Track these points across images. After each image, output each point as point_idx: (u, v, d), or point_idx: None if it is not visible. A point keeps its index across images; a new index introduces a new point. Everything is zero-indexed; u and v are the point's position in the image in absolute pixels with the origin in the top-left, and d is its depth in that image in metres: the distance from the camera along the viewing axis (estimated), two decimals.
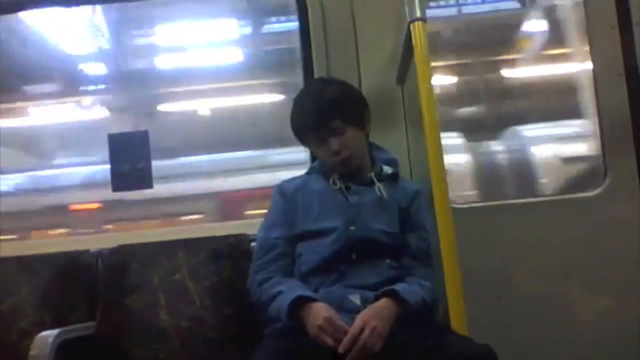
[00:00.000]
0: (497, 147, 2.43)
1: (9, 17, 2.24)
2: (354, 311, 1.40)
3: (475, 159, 2.44)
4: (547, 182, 2.43)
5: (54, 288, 1.81)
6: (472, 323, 1.29)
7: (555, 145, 2.45)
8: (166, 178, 2.39)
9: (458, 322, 1.28)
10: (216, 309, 1.74)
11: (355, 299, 1.45)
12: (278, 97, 2.71)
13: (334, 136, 1.54)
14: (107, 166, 2.14)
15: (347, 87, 1.64)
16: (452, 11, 2.67)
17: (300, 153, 2.00)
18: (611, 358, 1.89)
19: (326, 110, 1.53)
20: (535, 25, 2.58)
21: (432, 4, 2.50)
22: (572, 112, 2.30)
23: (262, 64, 2.75)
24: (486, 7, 2.83)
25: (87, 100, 2.75)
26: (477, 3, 2.85)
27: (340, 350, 1.31)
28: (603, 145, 2.00)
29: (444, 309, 1.33)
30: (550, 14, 2.45)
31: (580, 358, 1.90)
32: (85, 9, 2.48)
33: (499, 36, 2.49)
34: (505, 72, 2.55)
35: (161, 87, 2.71)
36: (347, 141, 1.54)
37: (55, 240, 2.09)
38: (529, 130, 2.48)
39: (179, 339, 1.69)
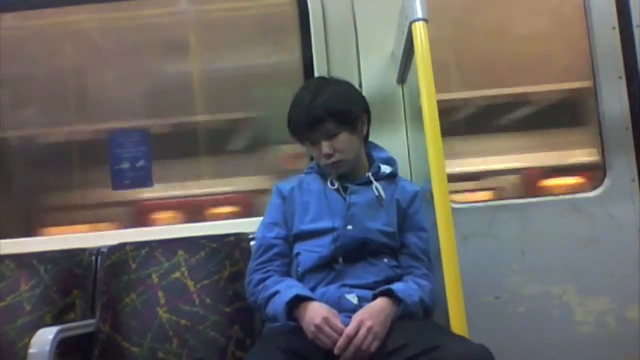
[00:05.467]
0: None
1: None
2: (352, 310, 1.41)
3: None
4: None
5: (54, 286, 1.81)
6: (471, 324, 1.29)
7: None
8: None
9: (457, 323, 1.28)
10: (216, 308, 1.74)
11: (353, 298, 1.46)
12: None
13: (326, 139, 1.53)
14: None
15: (345, 89, 1.61)
16: None
17: None
18: (610, 359, 1.89)
19: (319, 113, 1.51)
20: None
21: None
22: None
23: None
24: None
25: None
26: None
27: (336, 351, 1.31)
28: (603, 147, 2.00)
29: (443, 309, 1.33)
30: None
31: (579, 359, 1.90)
32: None
33: None
34: None
35: None
36: (340, 145, 1.54)
37: (55, 238, 2.07)
38: None
39: (178, 338, 1.69)
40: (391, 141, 1.87)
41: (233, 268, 1.80)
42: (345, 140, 1.54)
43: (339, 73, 1.90)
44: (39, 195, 2.45)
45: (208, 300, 1.75)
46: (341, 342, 1.31)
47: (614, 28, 2.01)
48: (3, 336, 1.73)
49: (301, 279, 1.53)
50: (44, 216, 2.48)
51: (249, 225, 1.86)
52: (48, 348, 1.50)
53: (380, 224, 1.55)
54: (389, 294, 1.41)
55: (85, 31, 2.42)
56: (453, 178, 2.13)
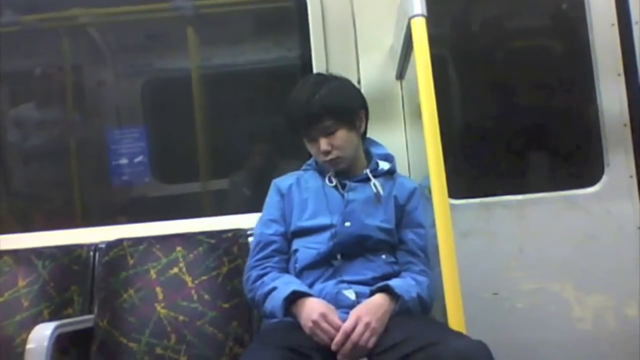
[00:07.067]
0: None
1: None
2: (349, 306, 1.41)
3: None
4: None
5: (51, 282, 1.81)
6: (468, 320, 1.29)
7: None
8: None
9: (455, 319, 1.28)
10: (214, 304, 1.73)
11: (350, 294, 1.46)
12: None
13: (324, 136, 1.53)
14: None
15: (343, 86, 1.60)
16: None
17: None
18: (608, 356, 1.90)
19: (317, 110, 1.51)
20: None
21: None
22: None
23: None
24: None
25: None
26: None
27: (333, 347, 1.31)
28: (602, 143, 2.00)
29: (441, 305, 1.34)
30: None
31: (577, 355, 1.90)
32: None
33: None
34: None
35: None
36: (337, 142, 1.54)
37: (53, 233, 2.07)
38: None
39: (176, 334, 1.69)
40: (389, 137, 1.87)
41: (231, 264, 1.79)
42: (343, 136, 1.54)
43: (337, 69, 1.90)
44: None
45: (206, 296, 1.75)
46: (338, 337, 1.31)
47: (613, 25, 2.00)
48: (1, 331, 1.73)
49: (299, 275, 1.53)
50: None
51: (247, 221, 1.86)
52: (46, 343, 1.50)
53: (378, 220, 1.55)
54: (387, 289, 1.41)
55: None
56: None
